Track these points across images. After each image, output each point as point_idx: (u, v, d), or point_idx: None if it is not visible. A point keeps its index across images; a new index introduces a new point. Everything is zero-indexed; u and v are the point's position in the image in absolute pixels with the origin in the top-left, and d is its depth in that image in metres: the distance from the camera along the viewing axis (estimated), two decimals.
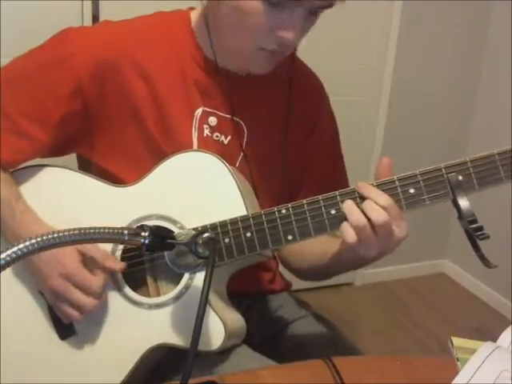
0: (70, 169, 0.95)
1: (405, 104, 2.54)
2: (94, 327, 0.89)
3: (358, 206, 0.79)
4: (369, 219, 0.78)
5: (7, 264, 0.54)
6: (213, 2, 0.91)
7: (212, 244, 0.76)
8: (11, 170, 0.95)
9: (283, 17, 0.84)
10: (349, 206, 0.80)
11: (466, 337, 0.84)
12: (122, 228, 0.69)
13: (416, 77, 2.53)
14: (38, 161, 0.96)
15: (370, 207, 0.78)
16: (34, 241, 0.57)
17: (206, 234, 0.78)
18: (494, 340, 0.81)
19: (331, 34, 2.23)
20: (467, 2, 2.48)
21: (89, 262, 0.87)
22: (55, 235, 0.59)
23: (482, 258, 0.80)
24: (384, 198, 0.79)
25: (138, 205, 0.90)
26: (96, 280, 0.86)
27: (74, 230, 0.61)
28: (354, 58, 2.39)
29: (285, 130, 1.01)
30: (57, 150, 0.97)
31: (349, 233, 0.79)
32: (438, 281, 2.85)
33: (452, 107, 2.66)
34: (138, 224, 0.88)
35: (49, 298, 0.89)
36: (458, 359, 0.80)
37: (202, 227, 0.85)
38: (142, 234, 0.71)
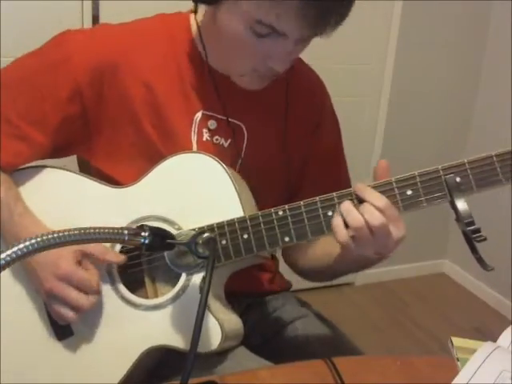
0: (67, 170, 0.95)
1: (405, 104, 2.54)
2: (92, 328, 0.89)
3: (356, 207, 0.80)
4: (365, 220, 0.78)
5: (7, 264, 0.54)
6: (208, 15, 0.91)
7: (212, 244, 0.76)
8: (9, 171, 0.94)
9: (272, 47, 0.83)
10: (345, 206, 0.80)
11: (466, 337, 0.84)
12: (122, 228, 0.69)
13: (416, 77, 2.53)
14: (36, 162, 0.96)
15: (367, 209, 0.78)
16: (33, 241, 0.57)
17: (205, 234, 0.78)
18: (494, 340, 0.81)
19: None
20: (467, 2, 2.48)
21: (84, 262, 0.87)
22: (55, 235, 0.59)
23: (480, 260, 0.80)
24: (381, 200, 0.79)
25: (136, 206, 0.90)
26: (92, 278, 0.86)
27: (74, 229, 0.61)
28: (354, 58, 2.39)
29: (284, 132, 1.01)
30: (56, 152, 0.97)
31: (340, 232, 0.79)
32: (438, 281, 2.85)
33: (452, 107, 2.66)
34: (136, 225, 0.87)
35: (44, 300, 0.89)
36: (458, 359, 0.80)
37: (199, 229, 0.85)
38: (142, 234, 0.71)
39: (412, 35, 2.43)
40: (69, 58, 0.91)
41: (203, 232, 0.80)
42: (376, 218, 0.77)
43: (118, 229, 0.68)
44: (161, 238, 0.74)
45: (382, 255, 0.83)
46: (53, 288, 0.85)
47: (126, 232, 0.68)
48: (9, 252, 0.55)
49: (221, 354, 0.91)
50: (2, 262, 0.54)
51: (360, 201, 0.80)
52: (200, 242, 0.77)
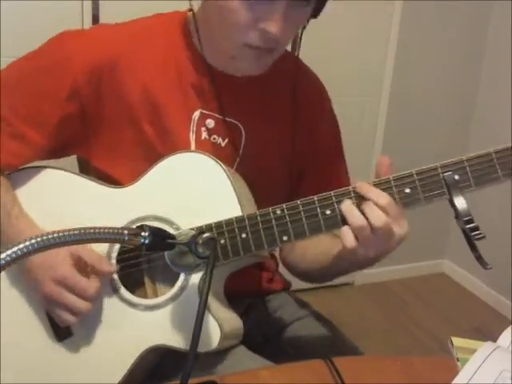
0: (65, 170, 0.95)
1: (405, 104, 2.54)
2: (91, 329, 0.89)
3: (355, 206, 0.80)
4: (368, 220, 0.78)
5: (7, 264, 0.54)
6: (202, 4, 0.92)
7: (212, 244, 0.76)
8: (8, 172, 0.95)
9: (264, 9, 0.83)
10: (347, 206, 0.80)
11: (466, 337, 0.84)
12: (122, 228, 0.69)
13: (416, 77, 2.53)
14: (35, 162, 0.96)
15: (370, 209, 0.78)
16: (33, 241, 0.57)
17: (206, 234, 0.77)
18: (494, 340, 0.81)
19: (331, 34, 2.23)
20: (467, 2, 2.48)
21: (81, 265, 0.87)
22: (55, 235, 0.59)
23: (479, 258, 0.80)
24: (383, 198, 0.78)
25: (134, 206, 0.90)
26: (90, 283, 0.85)
27: (74, 229, 0.61)
28: (354, 57, 2.39)
29: (294, 133, 1.01)
30: (55, 152, 0.97)
31: (348, 237, 0.79)
32: (438, 281, 2.85)
33: (452, 107, 2.66)
34: (134, 225, 0.87)
35: (44, 304, 0.89)
36: (458, 359, 0.80)
37: (197, 228, 0.85)
38: (142, 233, 0.71)
39: (412, 35, 2.43)
40: (67, 59, 0.91)
41: (203, 232, 0.80)
42: (378, 218, 0.77)
43: (118, 229, 0.68)
44: (161, 238, 0.74)
45: (383, 254, 0.83)
46: (50, 292, 0.85)
47: (125, 232, 0.68)
48: (9, 252, 0.55)
49: (220, 353, 0.91)
50: (2, 262, 0.54)
51: (359, 199, 0.80)
52: (200, 241, 0.77)
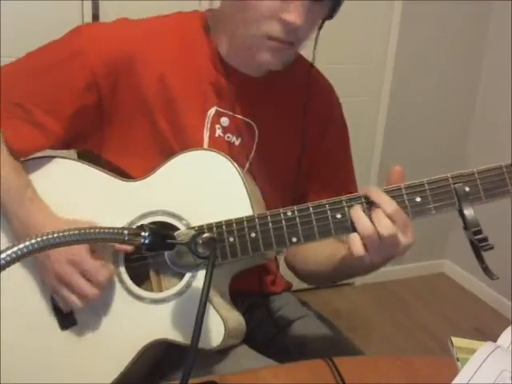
0: (78, 161, 0.96)
1: (405, 104, 2.54)
2: (95, 319, 0.90)
3: (365, 212, 0.80)
4: (375, 228, 0.78)
5: (7, 264, 0.54)
6: (221, 3, 0.92)
7: (212, 244, 0.76)
8: (21, 159, 0.94)
9: (286, 1, 0.84)
10: (356, 213, 0.80)
11: (465, 337, 0.84)
12: (122, 228, 0.69)
13: (416, 77, 2.53)
14: (46, 152, 0.96)
15: (378, 217, 0.79)
16: (34, 241, 0.57)
17: (205, 234, 0.78)
18: (494, 340, 0.81)
19: (331, 34, 2.23)
20: (467, 1, 2.48)
21: (97, 251, 0.87)
22: (55, 235, 0.59)
23: (486, 269, 0.81)
24: (390, 205, 0.79)
25: (145, 200, 0.90)
26: (102, 270, 0.86)
27: (75, 229, 0.61)
28: (354, 58, 2.39)
29: (302, 135, 1.01)
30: (68, 142, 0.97)
31: (357, 245, 0.79)
32: (438, 281, 2.85)
33: (452, 107, 2.66)
34: (144, 219, 0.89)
35: (51, 284, 0.88)
36: (458, 359, 0.80)
37: (207, 225, 0.85)
38: (142, 233, 0.71)
39: (412, 35, 2.43)
40: (86, 50, 0.92)
41: (203, 232, 0.80)
42: (385, 228, 0.78)
43: (118, 229, 0.68)
44: (161, 238, 0.74)
45: (388, 260, 0.84)
46: (62, 272, 0.85)
47: (126, 232, 0.68)
48: (9, 252, 0.55)
49: (222, 352, 0.91)
50: (2, 262, 0.54)
51: (369, 204, 0.81)
52: (200, 242, 0.77)
